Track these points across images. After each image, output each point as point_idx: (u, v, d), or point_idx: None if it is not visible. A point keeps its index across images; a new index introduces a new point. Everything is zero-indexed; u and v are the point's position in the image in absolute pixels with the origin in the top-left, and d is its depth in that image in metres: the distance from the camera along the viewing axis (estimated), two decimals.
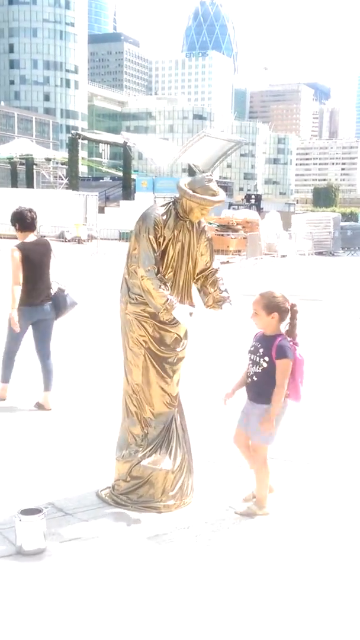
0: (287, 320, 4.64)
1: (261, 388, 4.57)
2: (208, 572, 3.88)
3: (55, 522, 4.45)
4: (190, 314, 4.57)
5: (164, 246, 4.63)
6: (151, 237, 4.57)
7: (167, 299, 4.47)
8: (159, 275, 4.53)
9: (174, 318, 4.52)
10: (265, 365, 4.53)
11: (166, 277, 4.64)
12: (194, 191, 4.57)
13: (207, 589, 3.70)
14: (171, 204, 4.75)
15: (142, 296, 4.61)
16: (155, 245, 4.56)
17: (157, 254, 4.56)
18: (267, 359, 4.52)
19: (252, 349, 4.68)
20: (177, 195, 4.71)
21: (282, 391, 4.49)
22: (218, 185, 4.70)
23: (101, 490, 4.96)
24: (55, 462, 5.56)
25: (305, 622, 3.43)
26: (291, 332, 4.65)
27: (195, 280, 4.91)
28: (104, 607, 3.50)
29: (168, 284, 4.59)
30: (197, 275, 4.89)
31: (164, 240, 4.62)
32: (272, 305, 4.54)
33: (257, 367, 4.58)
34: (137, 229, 4.65)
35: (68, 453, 5.77)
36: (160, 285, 4.47)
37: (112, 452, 5.04)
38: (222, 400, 4.76)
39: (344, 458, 5.85)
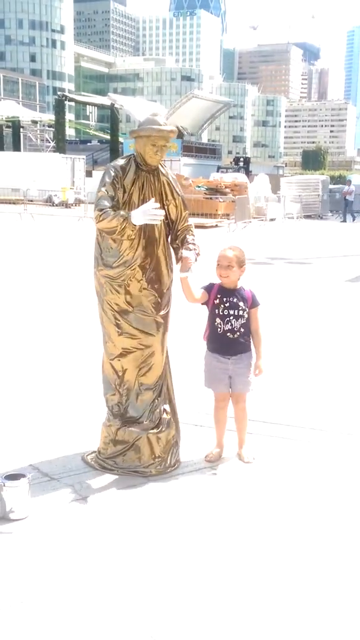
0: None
1: (246, 339, 4.83)
2: (200, 536, 3.87)
3: (40, 487, 4.42)
4: (155, 208, 4.42)
5: (126, 198, 4.56)
6: (108, 181, 4.53)
7: (121, 216, 4.37)
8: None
9: (144, 223, 4.42)
10: (246, 316, 4.80)
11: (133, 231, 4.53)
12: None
13: (203, 552, 3.69)
14: (132, 156, 4.69)
15: (113, 259, 4.56)
16: (113, 192, 4.50)
17: (115, 201, 4.49)
18: (246, 310, 4.79)
19: (228, 304, 4.76)
20: None
21: (260, 336, 4.88)
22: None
23: (87, 455, 4.92)
24: (39, 426, 5.51)
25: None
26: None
27: (172, 240, 4.82)
28: (93, 574, 3.48)
29: (134, 234, 4.48)
30: (175, 236, 4.80)
31: (124, 191, 4.55)
32: (242, 259, 4.82)
33: (241, 319, 4.78)
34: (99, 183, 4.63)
35: (52, 417, 5.73)
36: (113, 214, 4.39)
37: (97, 415, 5.00)
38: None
39: (325, 421, 5.84)
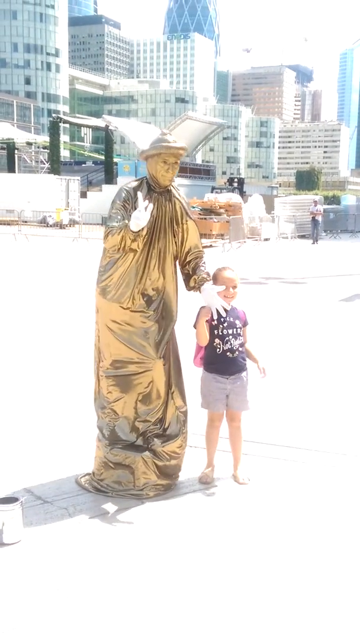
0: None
1: (243, 357, 4.88)
2: (195, 559, 3.82)
3: (34, 511, 4.36)
4: (145, 208, 4.31)
5: None
6: (118, 203, 4.52)
7: (120, 228, 4.34)
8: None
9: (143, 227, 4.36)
10: (242, 334, 4.88)
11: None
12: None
13: (198, 575, 3.64)
14: (144, 178, 4.68)
15: (110, 285, 4.55)
16: (122, 214, 4.46)
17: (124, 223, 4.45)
18: (241, 328, 4.87)
19: (226, 324, 4.78)
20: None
21: (251, 347, 4.98)
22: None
23: (81, 477, 4.87)
24: (33, 449, 5.46)
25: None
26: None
27: (182, 265, 4.81)
28: (86, 598, 3.43)
29: (137, 245, 4.44)
30: (185, 259, 4.79)
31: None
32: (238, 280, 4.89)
33: (239, 338, 4.84)
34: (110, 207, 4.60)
35: (46, 438, 5.68)
36: (117, 229, 4.37)
37: (92, 437, 4.96)
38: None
39: (323, 439, 5.81)
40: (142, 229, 4.34)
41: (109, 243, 4.44)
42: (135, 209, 4.41)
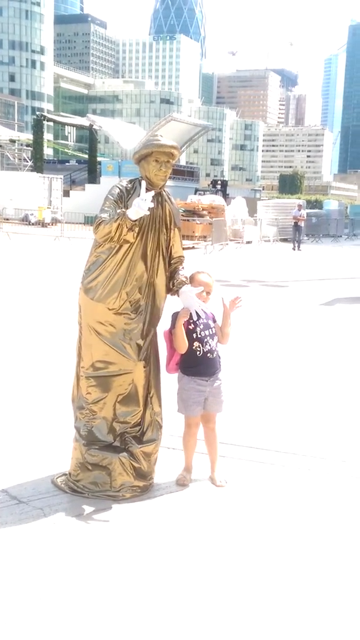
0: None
1: (220, 357, 4.93)
2: (171, 561, 3.80)
3: (8, 511, 4.32)
4: (149, 199, 4.31)
5: None
6: (111, 198, 4.52)
7: (117, 214, 4.35)
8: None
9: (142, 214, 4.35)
10: (216, 334, 4.90)
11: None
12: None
13: (175, 579, 3.62)
14: (138, 178, 4.67)
15: (94, 282, 4.53)
16: (114, 209, 4.45)
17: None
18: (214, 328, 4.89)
19: (202, 326, 4.79)
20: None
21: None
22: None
23: (57, 477, 4.83)
24: (9, 448, 5.41)
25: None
26: None
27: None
28: (59, 600, 3.39)
29: (132, 237, 4.43)
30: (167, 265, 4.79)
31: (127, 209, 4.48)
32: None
33: (215, 338, 4.88)
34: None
35: (23, 438, 5.63)
36: (110, 219, 4.36)
37: (69, 437, 4.92)
38: None
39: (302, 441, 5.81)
40: (138, 219, 4.35)
41: (100, 233, 4.41)
42: (127, 208, 4.42)
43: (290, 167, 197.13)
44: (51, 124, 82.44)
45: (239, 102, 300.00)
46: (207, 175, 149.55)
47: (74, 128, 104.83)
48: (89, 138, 61.39)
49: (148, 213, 4.38)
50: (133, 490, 4.65)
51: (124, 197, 4.54)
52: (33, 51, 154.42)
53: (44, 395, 6.85)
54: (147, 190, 4.47)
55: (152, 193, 4.37)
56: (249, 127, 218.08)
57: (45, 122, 60.84)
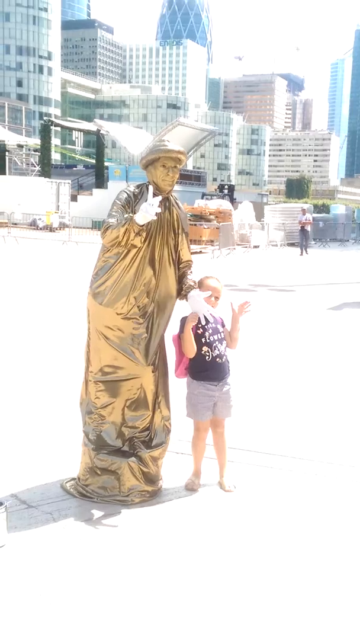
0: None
1: (229, 361, 4.94)
2: (180, 566, 3.80)
3: (18, 515, 4.33)
4: (156, 204, 4.30)
5: None
6: (119, 203, 4.52)
7: (124, 218, 4.35)
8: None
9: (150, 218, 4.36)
10: (225, 338, 4.91)
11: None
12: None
13: (184, 585, 3.62)
14: (145, 183, 4.67)
15: (102, 287, 4.53)
16: (121, 214, 4.45)
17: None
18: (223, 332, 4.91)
19: (211, 331, 4.80)
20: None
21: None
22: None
23: (66, 482, 4.84)
24: (19, 453, 5.42)
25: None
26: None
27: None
28: (69, 604, 3.40)
29: (139, 241, 4.44)
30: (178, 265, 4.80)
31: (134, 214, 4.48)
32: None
33: (224, 342, 4.89)
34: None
35: (31, 443, 5.65)
36: (117, 223, 4.37)
37: (78, 441, 4.93)
38: None
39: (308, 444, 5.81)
40: (145, 224, 4.36)
41: (107, 237, 4.41)
42: (134, 213, 4.42)
43: (297, 171, 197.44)
44: (58, 129, 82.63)
45: (246, 107, 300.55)
46: (214, 179, 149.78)
47: (82, 133, 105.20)
48: (97, 143, 61.60)
49: (155, 218, 4.39)
50: (142, 495, 4.66)
51: (132, 202, 4.55)
52: (40, 56, 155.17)
53: (52, 399, 6.87)
54: (155, 195, 4.49)
55: (160, 198, 4.38)
56: (255, 132, 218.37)
57: (52, 127, 61.03)
